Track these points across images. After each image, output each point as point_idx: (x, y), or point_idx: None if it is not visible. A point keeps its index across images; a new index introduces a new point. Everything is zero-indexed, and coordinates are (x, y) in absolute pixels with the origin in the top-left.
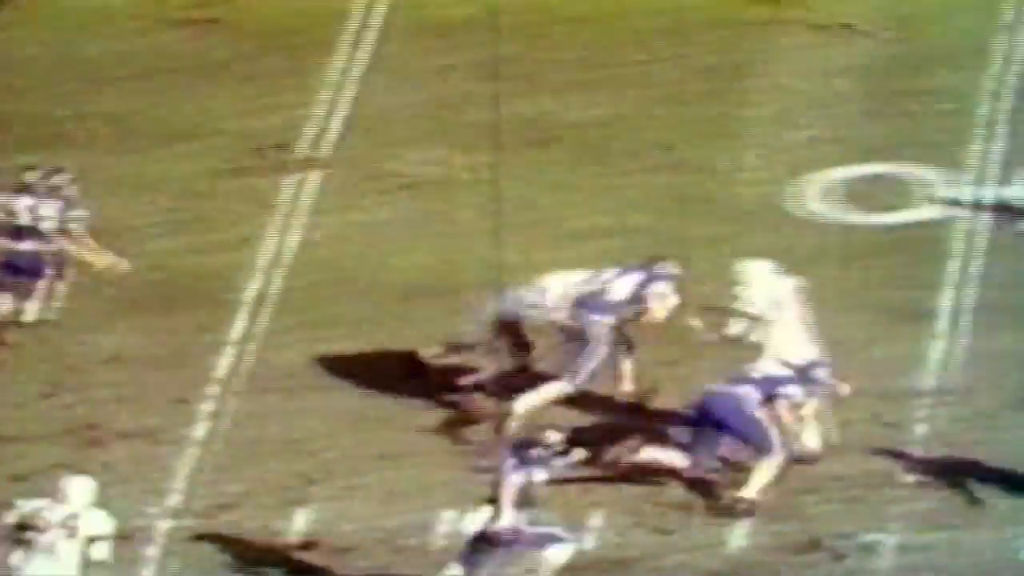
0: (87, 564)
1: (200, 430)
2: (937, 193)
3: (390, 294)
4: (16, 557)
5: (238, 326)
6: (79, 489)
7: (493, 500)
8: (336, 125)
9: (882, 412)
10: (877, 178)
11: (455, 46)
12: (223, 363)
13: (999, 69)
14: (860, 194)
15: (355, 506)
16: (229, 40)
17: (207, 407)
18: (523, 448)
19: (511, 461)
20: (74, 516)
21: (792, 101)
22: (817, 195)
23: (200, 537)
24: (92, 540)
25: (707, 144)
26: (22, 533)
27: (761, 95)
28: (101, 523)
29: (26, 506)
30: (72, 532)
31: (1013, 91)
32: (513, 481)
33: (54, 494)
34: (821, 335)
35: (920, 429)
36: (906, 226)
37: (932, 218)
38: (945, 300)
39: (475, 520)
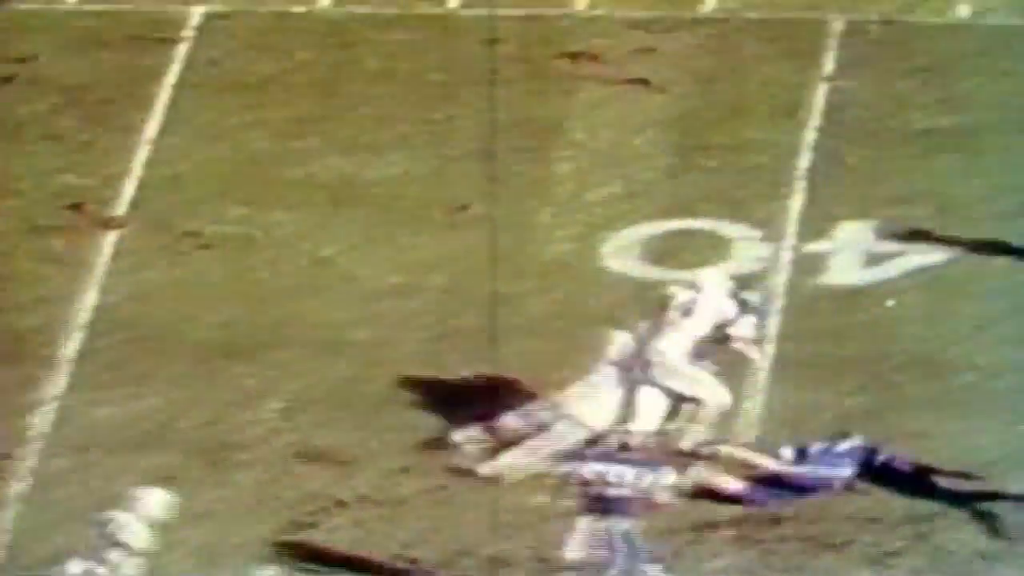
0: None
1: (21, 486)
2: (739, 249)
3: (195, 354)
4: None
5: (50, 384)
6: (157, 503)
7: None
8: (135, 184)
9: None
10: (677, 235)
11: (254, 104)
12: (40, 420)
13: (799, 124)
14: (661, 251)
15: (175, 560)
16: (26, 99)
17: (28, 464)
18: None
19: None
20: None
21: (590, 158)
22: (617, 252)
23: None
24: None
25: (507, 201)
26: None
27: (559, 152)
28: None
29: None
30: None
31: (813, 146)
32: None
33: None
34: None
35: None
36: None
37: (744, 275)
38: (764, 355)
39: None
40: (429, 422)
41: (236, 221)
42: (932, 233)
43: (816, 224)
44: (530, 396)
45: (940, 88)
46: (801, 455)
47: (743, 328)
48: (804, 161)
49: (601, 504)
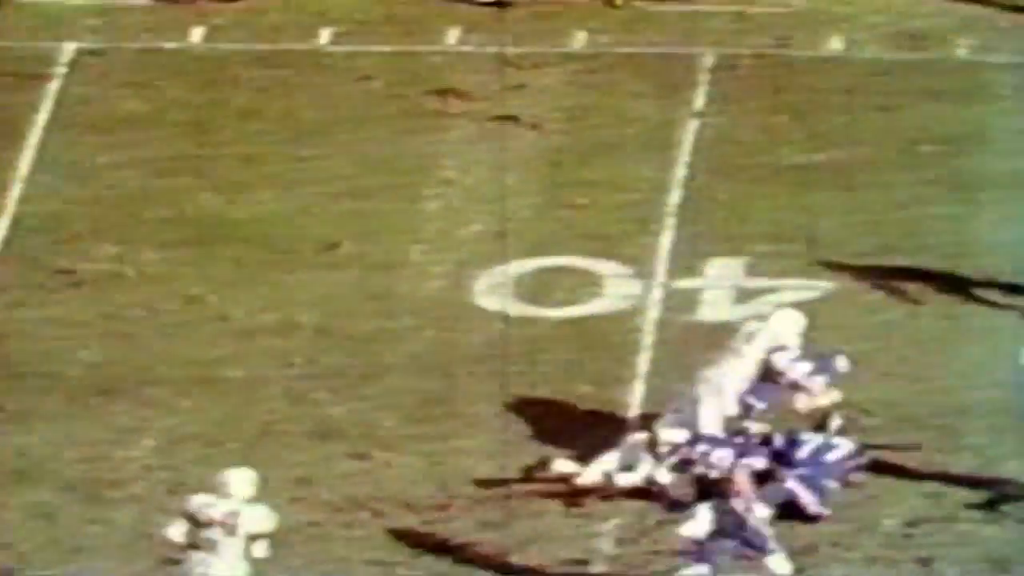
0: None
1: None
2: (610, 286)
3: (70, 391)
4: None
5: None
6: (240, 482)
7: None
8: (7, 222)
9: (571, 504)
10: (549, 272)
11: (126, 142)
12: None
13: (670, 160)
14: (532, 288)
15: None
16: None
17: None
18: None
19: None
20: (234, 513)
21: (461, 195)
22: (489, 290)
23: None
24: (253, 538)
25: (376, 239)
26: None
27: (430, 189)
28: (262, 519)
29: (195, 501)
30: (232, 529)
31: (684, 183)
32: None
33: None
34: (508, 428)
35: (612, 522)
36: (582, 319)
37: (605, 311)
38: (633, 393)
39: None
40: (302, 457)
41: (108, 259)
42: (803, 269)
43: (687, 261)
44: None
45: (812, 123)
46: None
47: (812, 383)
48: (675, 197)
49: (713, 487)
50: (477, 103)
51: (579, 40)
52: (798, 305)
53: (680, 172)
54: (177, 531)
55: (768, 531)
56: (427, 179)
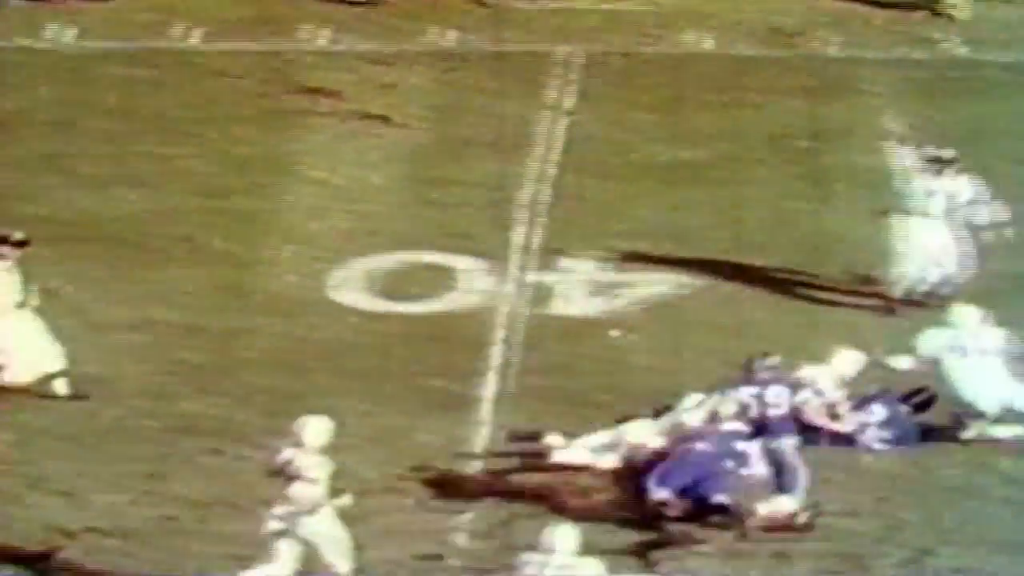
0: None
1: None
2: (468, 281)
3: None
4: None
5: None
6: (314, 431)
7: None
8: None
9: (427, 498)
10: (404, 267)
11: None
12: None
13: (536, 157)
14: (397, 283)
15: None
16: None
17: None
18: None
19: None
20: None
21: (324, 193)
22: (344, 285)
23: None
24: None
25: (241, 237)
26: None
27: (296, 187)
28: (319, 467)
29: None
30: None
31: (544, 178)
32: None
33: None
34: (363, 423)
35: (466, 516)
36: (442, 315)
37: (469, 306)
38: (487, 387)
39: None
40: (157, 452)
41: None
42: (659, 262)
43: (543, 255)
44: None
45: (678, 120)
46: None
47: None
48: (534, 193)
49: (767, 425)
50: (345, 102)
51: (448, 39)
52: (652, 300)
53: (541, 168)
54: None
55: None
56: (293, 177)
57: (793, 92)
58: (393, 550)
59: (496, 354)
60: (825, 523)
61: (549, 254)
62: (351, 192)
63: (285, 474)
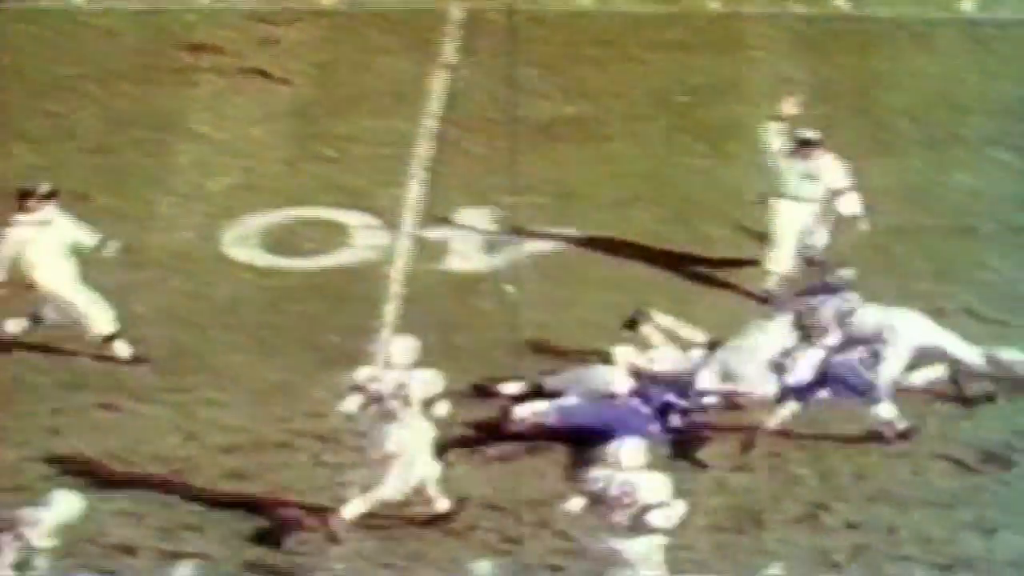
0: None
1: None
2: (358, 237)
3: None
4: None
5: None
6: (402, 351)
7: None
8: None
9: (321, 453)
10: (297, 224)
11: None
12: None
13: (419, 113)
14: (282, 239)
15: None
16: None
17: None
18: None
19: None
20: (403, 384)
21: (212, 149)
22: (239, 241)
23: None
24: (428, 402)
25: (126, 193)
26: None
27: (179, 144)
28: (431, 383)
29: (361, 374)
30: (405, 399)
31: (433, 135)
32: None
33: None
34: (257, 379)
35: (359, 472)
36: (330, 270)
37: (355, 261)
38: (382, 343)
39: None
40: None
41: None
42: (551, 220)
43: (435, 211)
44: None
45: (562, 77)
46: None
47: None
48: (424, 150)
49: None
50: (228, 58)
51: None
52: (544, 256)
53: (430, 124)
54: (352, 403)
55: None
56: (178, 133)
57: (675, 47)
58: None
59: (390, 310)
60: (720, 478)
61: (442, 210)
62: (237, 148)
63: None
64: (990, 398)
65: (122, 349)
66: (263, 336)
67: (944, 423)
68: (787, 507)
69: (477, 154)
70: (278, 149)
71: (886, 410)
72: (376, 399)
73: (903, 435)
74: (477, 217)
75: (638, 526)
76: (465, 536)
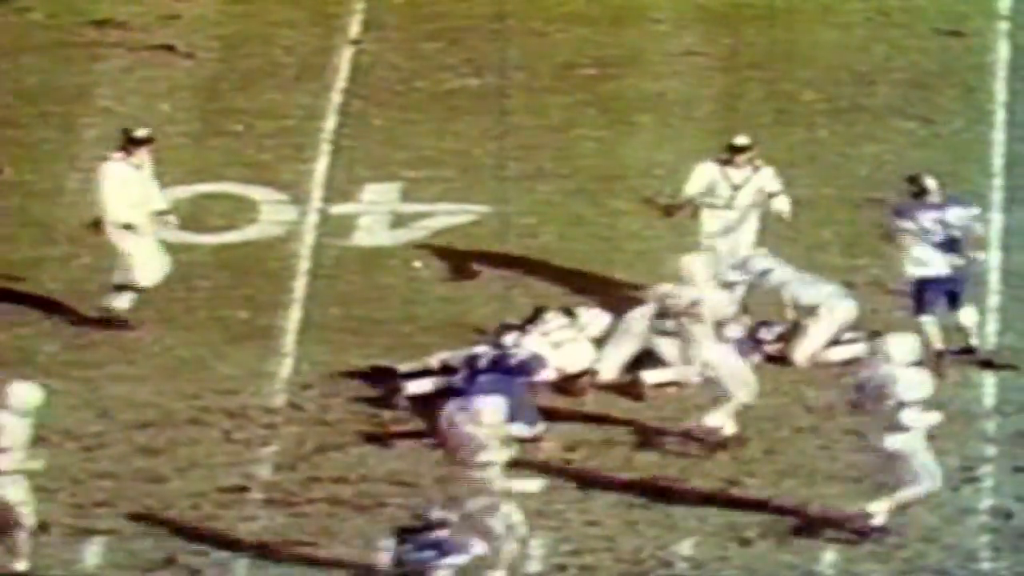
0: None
1: None
2: (265, 212)
3: None
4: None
5: None
6: (700, 267)
7: None
8: None
9: (231, 429)
10: (205, 199)
11: None
12: None
13: (324, 88)
14: (189, 214)
15: None
16: None
17: None
18: None
19: None
20: (697, 301)
21: (116, 124)
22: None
23: None
24: (719, 324)
25: (35, 168)
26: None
27: (86, 118)
28: (726, 304)
29: (659, 290)
30: (697, 317)
31: (339, 109)
32: None
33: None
34: (167, 355)
35: (269, 448)
36: (236, 245)
37: (262, 237)
38: (290, 318)
39: None
40: None
41: None
42: (455, 194)
43: (343, 186)
44: None
45: (466, 50)
46: None
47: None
48: (330, 124)
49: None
50: (133, 33)
51: None
52: (451, 230)
53: (336, 99)
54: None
55: None
56: (84, 108)
57: (579, 20)
58: (197, 482)
59: (299, 285)
60: (627, 455)
61: (349, 185)
62: (142, 122)
63: None
64: None
65: (122, 302)
66: (172, 312)
67: None
68: (697, 483)
69: (383, 128)
70: (184, 124)
71: None
72: (671, 315)
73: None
74: (384, 192)
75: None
76: None
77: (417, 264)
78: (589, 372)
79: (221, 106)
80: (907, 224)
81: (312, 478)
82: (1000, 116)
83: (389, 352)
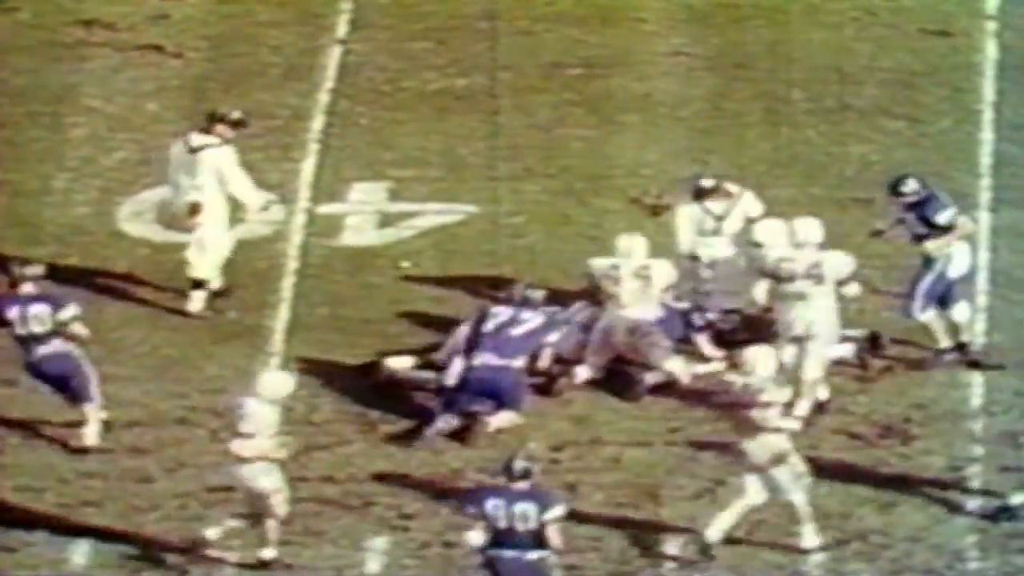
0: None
1: None
2: (264, 213)
3: None
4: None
5: None
6: (810, 230)
7: None
8: None
9: (219, 429)
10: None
11: None
12: None
13: (312, 87)
14: (186, 215)
15: None
16: None
17: None
18: None
19: None
20: (818, 264)
21: (105, 123)
22: (133, 216)
23: None
24: (841, 283)
25: (21, 167)
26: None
27: (73, 118)
28: (845, 264)
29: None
30: (819, 279)
31: (326, 109)
32: None
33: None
34: (155, 354)
35: None
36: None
37: (250, 236)
38: (277, 317)
39: None
40: None
41: None
42: (445, 193)
43: (330, 186)
44: None
45: (454, 50)
46: None
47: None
48: (318, 124)
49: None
50: (121, 33)
51: None
52: (439, 229)
53: (323, 99)
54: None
55: None
56: (72, 108)
57: (566, 20)
58: (184, 482)
59: (287, 285)
60: (616, 454)
61: (337, 184)
62: (130, 122)
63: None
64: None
65: (197, 300)
66: (161, 311)
67: (843, 397)
68: (684, 483)
69: (370, 128)
70: (172, 124)
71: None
72: (786, 280)
73: None
74: (372, 192)
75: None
76: None
77: (405, 264)
78: (567, 373)
79: (209, 106)
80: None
81: (299, 478)
82: (987, 116)
83: (376, 352)
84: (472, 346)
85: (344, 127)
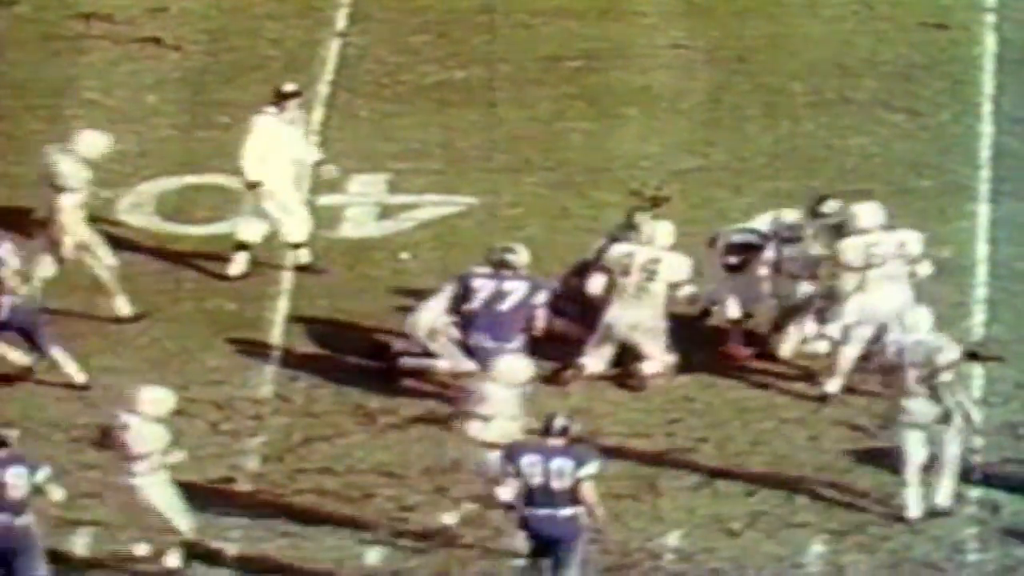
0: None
1: None
2: (249, 204)
3: None
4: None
5: None
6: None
7: None
8: None
9: (218, 421)
10: (190, 190)
11: None
12: None
13: (311, 79)
14: (177, 206)
15: None
16: None
17: None
18: None
19: None
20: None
21: (103, 116)
22: (133, 208)
23: None
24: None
25: (22, 160)
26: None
27: (72, 111)
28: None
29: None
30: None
31: (325, 101)
32: None
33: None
34: (154, 346)
35: (256, 439)
36: (223, 237)
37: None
38: (276, 309)
39: None
40: None
41: None
42: (444, 185)
43: (329, 178)
44: None
45: (453, 42)
46: None
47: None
48: (317, 116)
49: None
50: (119, 26)
51: None
52: (438, 221)
53: (323, 90)
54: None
55: None
56: (70, 101)
57: (565, 12)
58: (184, 473)
59: (286, 277)
60: (616, 445)
61: (336, 176)
62: (128, 115)
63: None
64: None
65: (304, 256)
66: (160, 303)
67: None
68: (683, 474)
69: (369, 120)
70: (171, 116)
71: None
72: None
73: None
74: (371, 184)
75: None
76: None
77: (405, 256)
78: (574, 365)
79: (208, 98)
80: None
81: (299, 469)
82: (987, 108)
83: (376, 344)
84: (466, 324)
85: (343, 119)
